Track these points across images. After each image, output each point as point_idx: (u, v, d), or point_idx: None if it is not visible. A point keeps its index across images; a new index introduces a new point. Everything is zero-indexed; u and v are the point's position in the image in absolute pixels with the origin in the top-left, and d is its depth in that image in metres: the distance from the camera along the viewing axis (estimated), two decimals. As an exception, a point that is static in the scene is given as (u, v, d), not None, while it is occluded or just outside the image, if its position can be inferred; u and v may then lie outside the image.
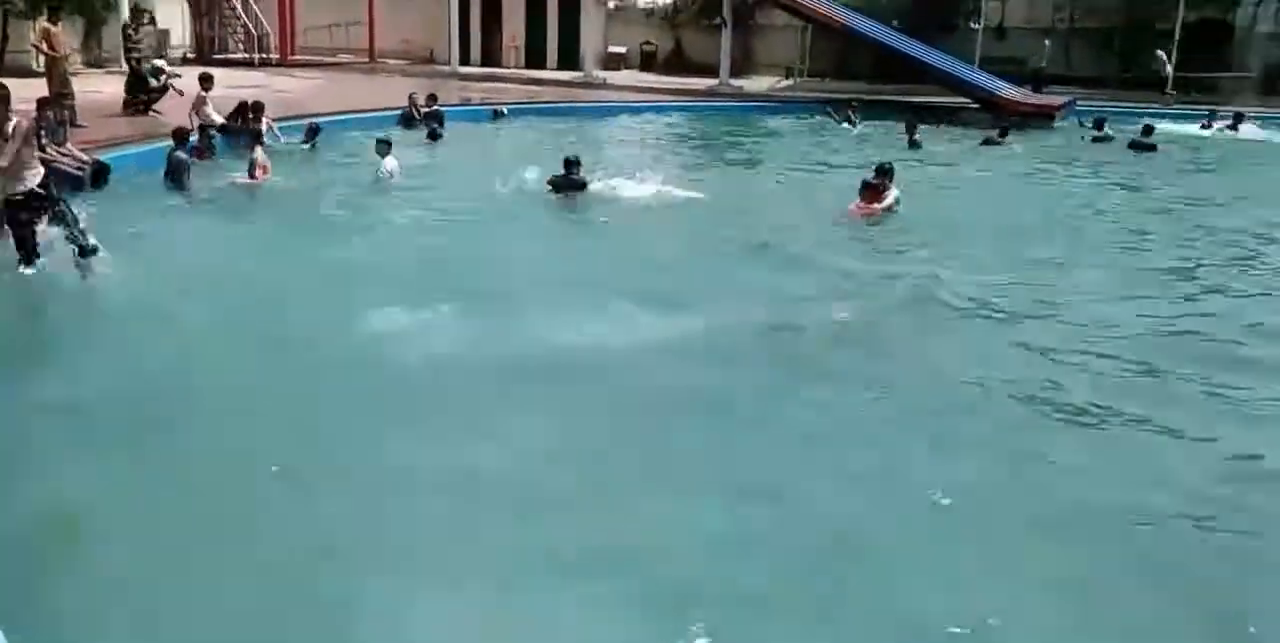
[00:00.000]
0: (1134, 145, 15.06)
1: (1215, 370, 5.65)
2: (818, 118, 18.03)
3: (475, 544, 3.68)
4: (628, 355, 5.55)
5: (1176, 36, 21.82)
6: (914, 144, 14.89)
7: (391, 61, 26.80)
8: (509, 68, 27.09)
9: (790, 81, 25.10)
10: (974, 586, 3.53)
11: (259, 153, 10.64)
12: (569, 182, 9.99)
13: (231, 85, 15.50)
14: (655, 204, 9.97)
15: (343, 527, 3.77)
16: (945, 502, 4.03)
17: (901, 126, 15.65)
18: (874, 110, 18.18)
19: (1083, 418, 4.95)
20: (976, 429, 4.80)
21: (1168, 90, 21.72)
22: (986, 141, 15.00)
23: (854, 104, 18.04)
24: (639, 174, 10.78)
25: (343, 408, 4.87)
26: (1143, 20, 24.39)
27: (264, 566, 3.48)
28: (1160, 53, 22.78)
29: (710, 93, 22.08)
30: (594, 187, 10.18)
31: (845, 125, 17.33)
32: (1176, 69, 22.00)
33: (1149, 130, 15.38)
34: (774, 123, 18.46)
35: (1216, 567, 3.71)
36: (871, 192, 9.29)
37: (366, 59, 26.97)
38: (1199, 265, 8.20)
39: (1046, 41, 24.22)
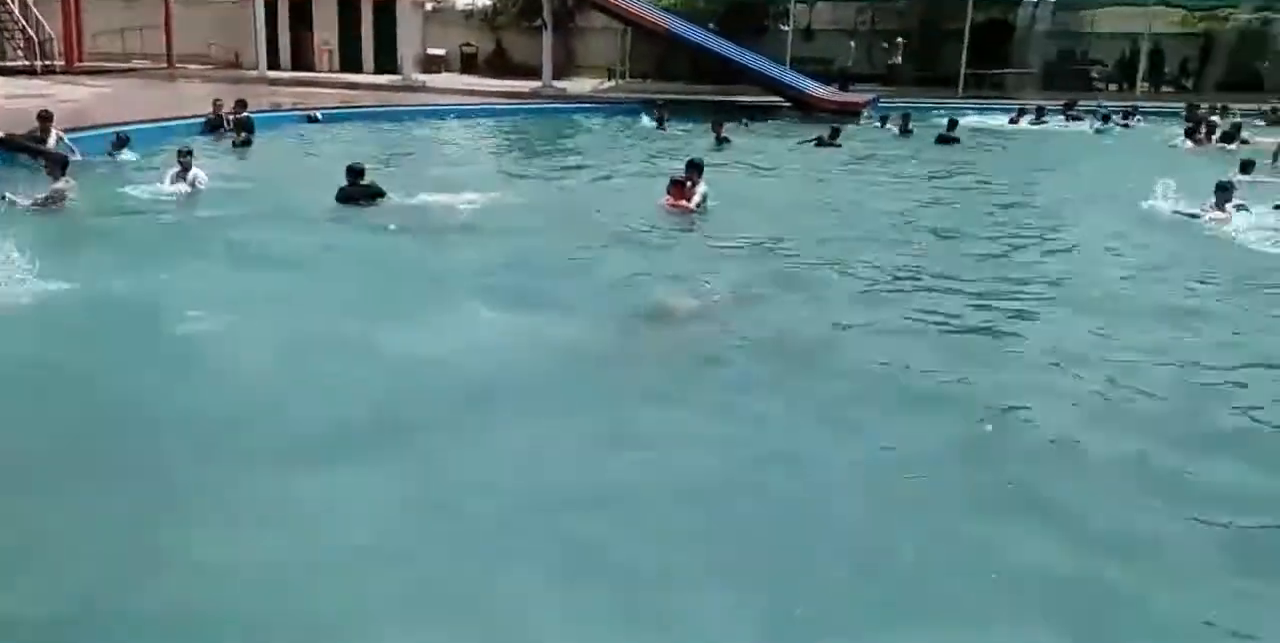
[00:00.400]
0: (940, 139, 16.09)
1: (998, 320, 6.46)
2: (644, 119, 18.34)
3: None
4: (461, 358, 5.55)
5: (966, 37, 23.55)
6: (721, 141, 15.27)
7: (192, 67, 25.42)
8: (322, 72, 26.24)
9: (612, 83, 25.47)
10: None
11: (63, 182, 9.60)
12: (360, 191, 9.72)
13: (10, 95, 14.32)
14: (467, 209, 9.88)
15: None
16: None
17: (709, 125, 16.06)
18: (687, 110, 18.67)
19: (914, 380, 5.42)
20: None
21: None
22: (819, 142, 15.42)
23: (660, 104, 18.49)
24: (453, 179, 10.67)
25: (162, 431, 4.65)
26: (935, 22, 26.28)
27: None
28: (896, 42, 24.48)
29: (533, 95, 22.09)
30: (400, 194, 9.97)
31: (654, 126, 17.52)
32: (967, 66, 23.75)
33: (953, 125, 16.45)
34: (594, 124, 18.61)
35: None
36: (678, 188, 9.57)
37: (164, 65, 25.47)
38: (993, 240, 9.01)
39: (851, 43, 25.68)
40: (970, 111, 19.37)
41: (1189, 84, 25.51)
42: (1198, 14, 26.34)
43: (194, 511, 3.94)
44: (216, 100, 15.21)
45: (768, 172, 13.43)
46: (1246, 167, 12.39)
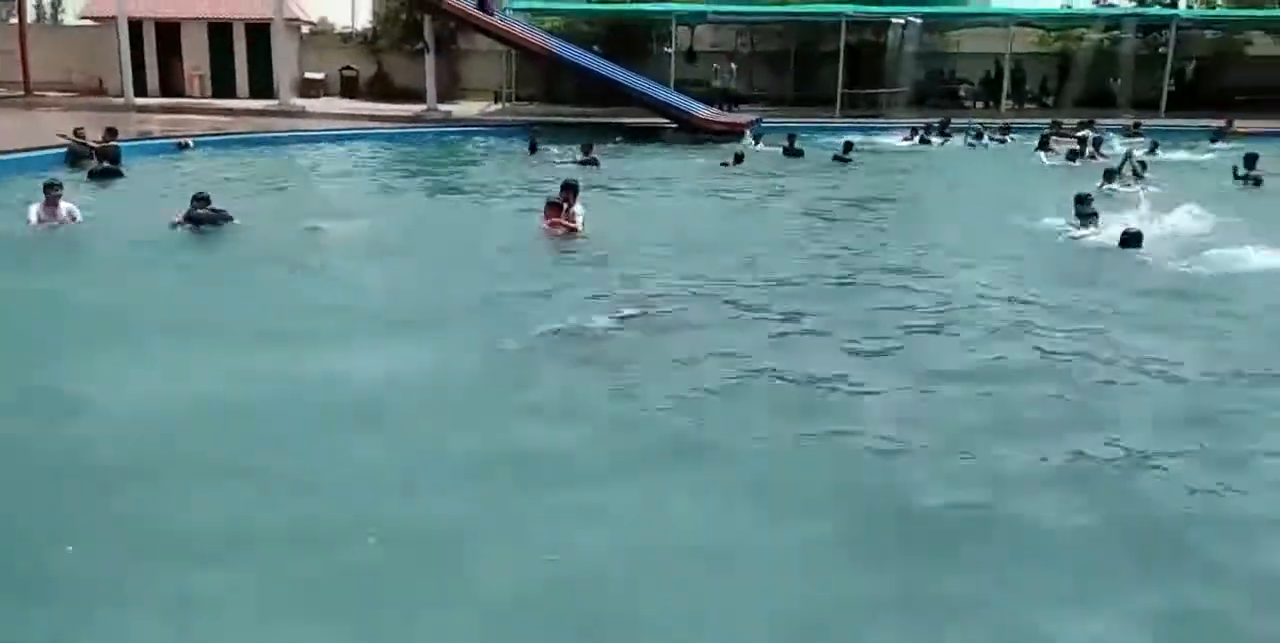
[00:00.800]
0: (836, 159, 16.57)
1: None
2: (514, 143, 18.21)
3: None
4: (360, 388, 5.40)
5: (841, 58, 24.39)
6: (587, 163, 15.20)
7: (52, 94, 24.19)
8: (194, 98, 25.34)
9: (499, 106, 25.36)
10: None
11: None
12: (207, 216, 9.29)
13: None
14: (340, 235, 9.63)
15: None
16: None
17: (578, 147, 15.95)
18: (577, 133, 18.71)
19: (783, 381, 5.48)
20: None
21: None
22: (723, 164, 15.64)
23: (531, 127, 18.51)
24: (328, 204, 10.40)
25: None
26: (812, 44, 27.16)
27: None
28: (724, 66, 25.30)
29: (416, 119, 21.80)
30: (272, 221, 9.66)
31: (526, 150, 17.25)
32: (845, 87, 24.59)
33: (849, 147, 16.92)
34: (478, 147, 18.36)
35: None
36: (555, 210, 9.60)
37: (21, 92, 24.15)
38: (867, 252, 9.36)
39: (732, 65, 26.28)
40: (854, 132, 20.02)
41: (1049, 101, 27.01)
42: (1054, 34, 28.01)
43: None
44: (78, 129, 14.51)
45: (658, 192, 13.58)
46: (1110, 176, 13.12)
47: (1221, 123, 20.58)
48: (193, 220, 9.32)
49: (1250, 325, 7.07)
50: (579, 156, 15.57)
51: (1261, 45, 27.79)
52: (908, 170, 16.78)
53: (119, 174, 13.16)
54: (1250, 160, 14.11)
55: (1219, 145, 18.46)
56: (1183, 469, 4.69)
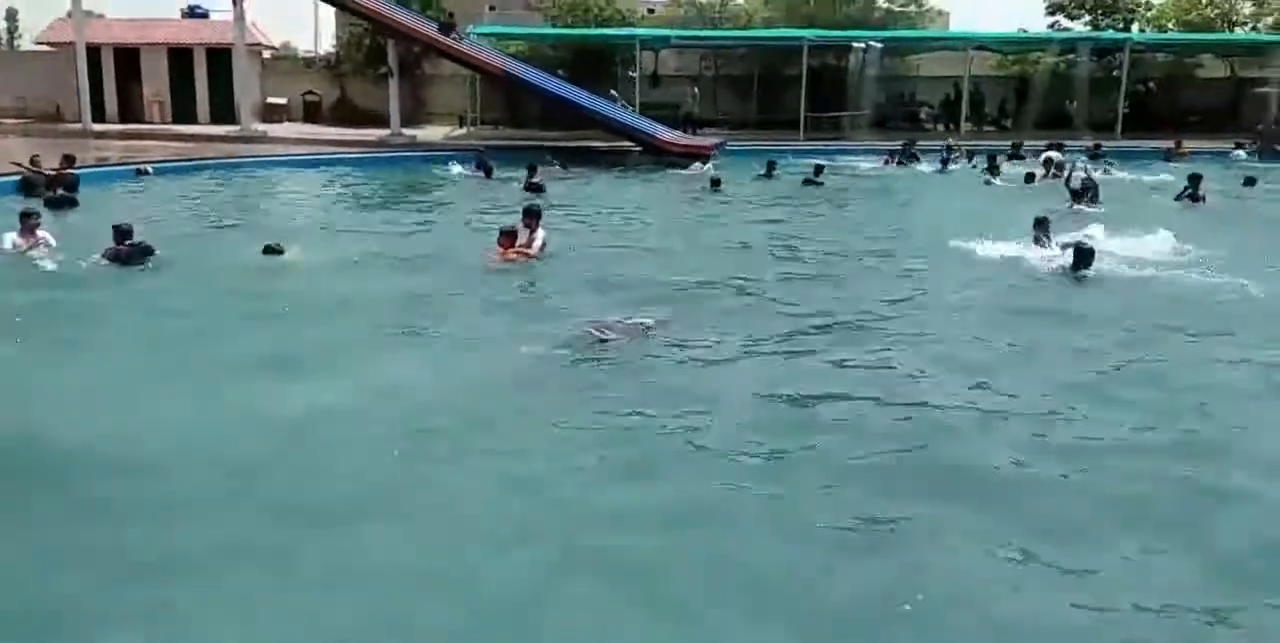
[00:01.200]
0: (806, 182, 16.82)
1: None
2: (457, 167, 18.06)
3: None
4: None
5: (804, 82, 24.70)
6: (532, 187, 15.10)
7: (8, 121, 23.86)
8: (153, 124, 25.10)
9: (464, 130, 25.35)
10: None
11: None
12: (124, 252, 8.93)
13: None
14: (298, 261, 9.53)
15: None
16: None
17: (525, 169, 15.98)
18: (524, 157, 18.68)
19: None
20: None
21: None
22: (703, 189, 15.83)
23: (481, 151, 18.57)
24: (290, 230, 10.24)
25: None
26: (776, 68, 27.49)
27: None
28: (694, 92, 25.65)
29: (380, 143, 21.72)
30: (230, 249, 9.45)
31: (481, 174, 17.27)
32: (808, 110, 24.87)
33: (819, 170, 17.21)
34: (440, 172, 18.11)
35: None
36: (508, 238, 9.39)
37: (-27, 118, 23.83)
38: (828, 272, 9.49)
39: (695, 89, 26.52)
40: (821, 154, 20.23)
41: (1008, 123, 27.49)
42: (1011, 57, 28.57)
43: None
44: (34, 157, 14.30)
45: (630, 217, 13.62)
46: (1078, 196, 13.44)
47: (1170, 144, 21.07)
48: (114, 258, 8.96)
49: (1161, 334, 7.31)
50: (526, 179, 15.52)
51: (1211, 67, 28.56)
52: (877, 193, 16.97)
53: (74, 202, 12.95)
54: (1194, 180, 14.66)
55: (1172, 164, 18.86)
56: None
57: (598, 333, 6.80)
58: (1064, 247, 9.55)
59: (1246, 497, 4.65)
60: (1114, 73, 26.13)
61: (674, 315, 7.50)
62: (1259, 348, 6.97)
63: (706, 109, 26.52)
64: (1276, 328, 7.63)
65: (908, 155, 20.33)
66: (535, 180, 15.39)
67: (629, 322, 7.10)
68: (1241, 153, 21.68)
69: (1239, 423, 5.56)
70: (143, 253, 9.10)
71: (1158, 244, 10.21)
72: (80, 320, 7.54)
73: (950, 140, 21.36)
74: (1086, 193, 14.04)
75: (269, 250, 9.40)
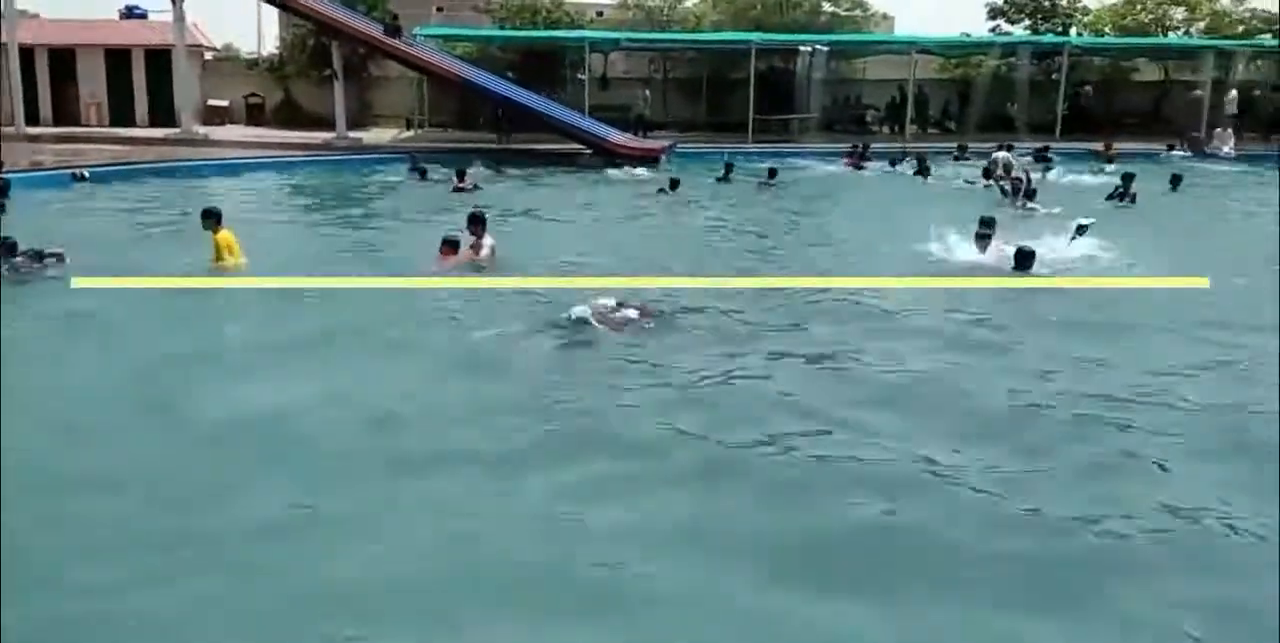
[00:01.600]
0: (761, 185, 16.90)
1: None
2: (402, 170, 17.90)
3: None
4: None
5: (752, 85, 24.76)
6: (461, 189, 15.09)
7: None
8: (90, 126, 24.36)
9: (412, 133, 24.98)
10: None
11: None
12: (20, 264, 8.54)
13: None
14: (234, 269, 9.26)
15: None
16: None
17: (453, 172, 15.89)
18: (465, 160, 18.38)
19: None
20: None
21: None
22: (660, 191, 15.76)
23: (414, 155, 18.32)
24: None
25: None
26: (724, 71, 27.52)
27: None
28: (645, 94, 25.65)
29: (325, 146, 21.30)
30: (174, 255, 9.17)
31: (416, 177, 17.15)
32: (756, 113, 24.93)
33: (773, 173, 17.28)
34: (388, 176, 17.84)
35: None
36: (450, 247, 9.25)
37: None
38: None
39: (646, 91, 26.45)
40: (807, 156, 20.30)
41: (951, 125, 27.83)
42: (954, 61, 28.93)
43: None
44: (-41, 161, 13.76)
45: (585, 219, 13.51)
46: (1031, 195, 13.81)
47: (1100, 146, 21.54)
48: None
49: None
50: (455, 183, 15.44)
51: (1147, 71, 29.21)
52: (828, 195, 17.04)
53: (1, 209, 12.45)
54: (1126, 179, 15.20)
55: (1111, 167, 19.22)
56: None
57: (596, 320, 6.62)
58: (1015, 250, 9.63)
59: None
60: (1053, 76, 26.58)
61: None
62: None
63: (656, 112, 26.45)
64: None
65: (863, 157, 20.47)
66: (463, 184, 15.27)
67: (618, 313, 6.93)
68: (1176, 154, 22.17)
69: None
70: (35, 257, 8.73)
71: (1087, 245, 10.40)
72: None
73: (904, 146, 21.57)
74: (1018, 192, 14.37)
75: (208, 216, 9.19)
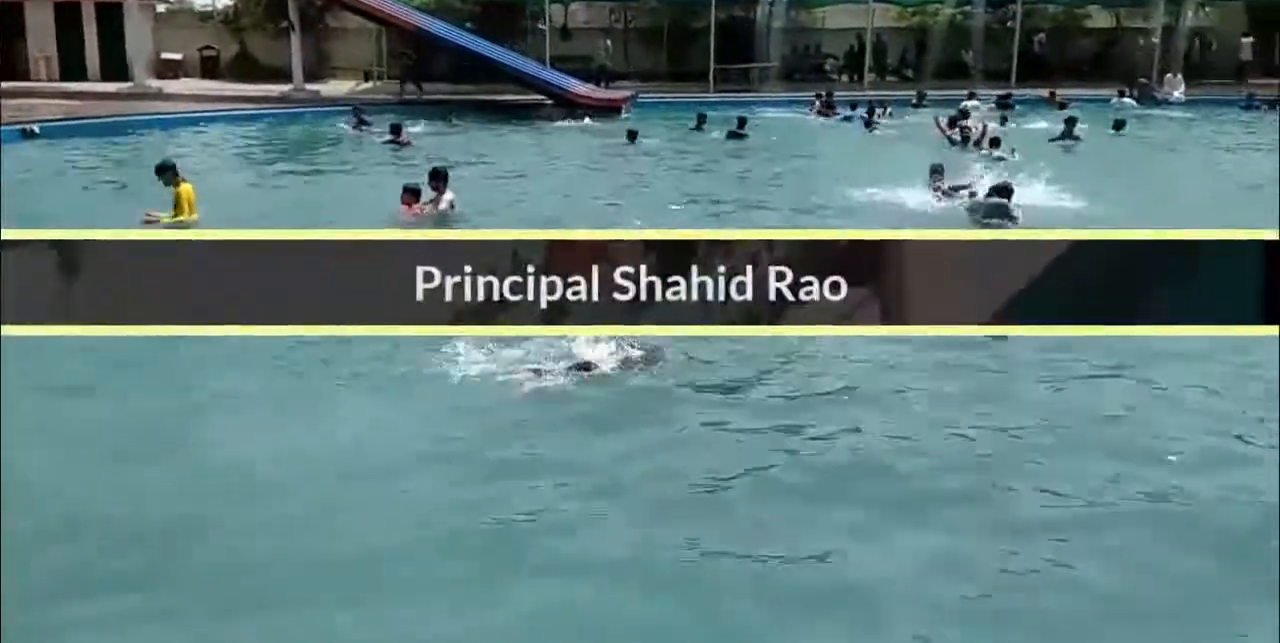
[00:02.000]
0: (730, 134, 16.75)
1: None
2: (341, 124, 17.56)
3: None
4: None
5: (713, 34, 24.34)
6: (398, 143, 15.01)
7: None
8: (40, 82, 23.45)
9: (370, 85, 24.34)
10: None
11: None
12: None
13: None
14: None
15: None
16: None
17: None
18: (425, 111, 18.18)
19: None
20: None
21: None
22: (630, 136, 15.74)
23: (357, 107, 17.96)
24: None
25: None
26: (684, 20, 27.00)
27: None
28: (604, 43, 25.09)
29: (283, 99, 20.73)
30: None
31: (353, 130, 16.89)
32: (717, 62, 24.56)
33: (742, 122, 17.13)
34: (345, 128, 17.43)
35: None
36: (411, 195, 9.41)
37: None
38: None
39: (607, 41, 25.92)
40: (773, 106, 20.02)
41: (909, 74, 27.61)
42: (910, 9, 28.59)
43: None
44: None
45: (543, 171, 13.31)
46: (995, 143, 14.05)
47: (1045, 93, 21.56)
48: None
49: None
50: (388, 137, 15.27)
51: (1099, 18, 29.07)
52: (796, 145, 16.89)
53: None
54: (1070, 123, 16.07)
55: (1066, 112, 19.23)
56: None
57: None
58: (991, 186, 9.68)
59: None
60: (1008, 24, 26.39)
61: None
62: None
63: (617, 62, 25.96)
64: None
65: (829, 106, 20.27)
66: (400, 139, 15.12)
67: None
68: (1127, 100, 22.21)
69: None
70: None
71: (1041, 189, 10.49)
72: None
73: (874, 95, 21.44)
74: (967, 140, 14.92)
75: (164, 171, 8.90)
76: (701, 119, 17.62)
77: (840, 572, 3.82)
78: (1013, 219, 8.87)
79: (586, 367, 5.57)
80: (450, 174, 9.98)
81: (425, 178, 9.80)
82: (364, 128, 16.87)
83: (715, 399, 5.43)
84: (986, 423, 5.04)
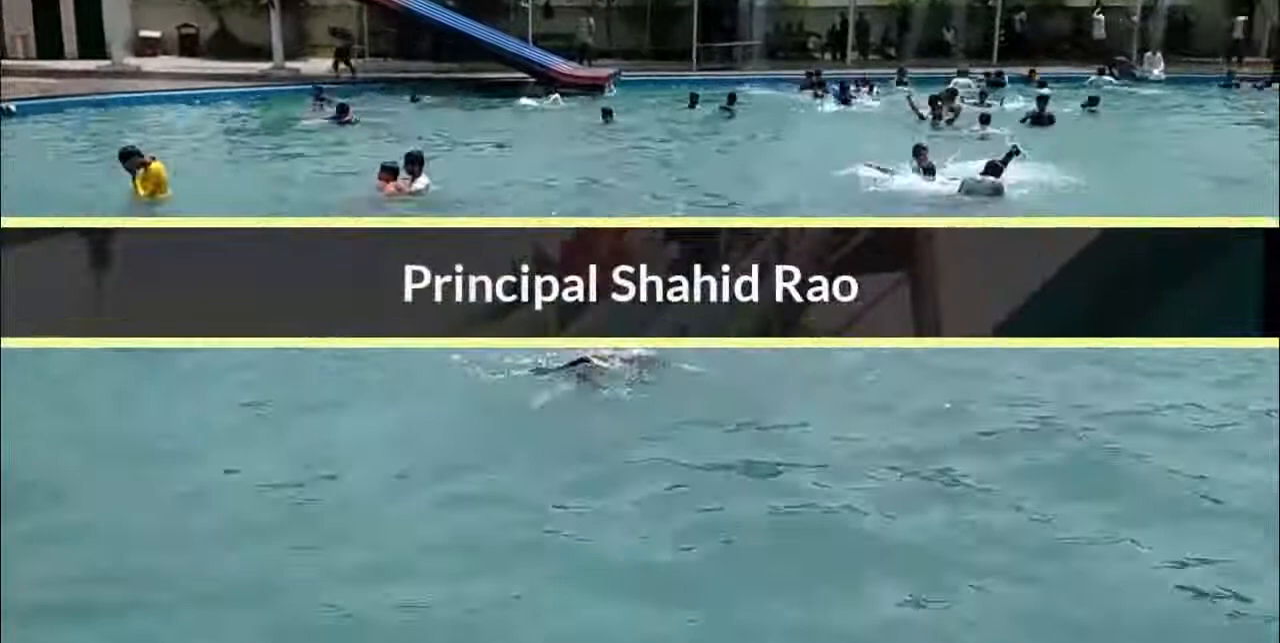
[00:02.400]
0: (721, 109, 16.81)
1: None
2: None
3: None
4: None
5: (696, 12, 23.97)
6: (345, 122, 14.96)
7: None
8: (17, 60, 22.86)
9: (352, 62, 23.87)
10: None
11: None
12: None
13: None
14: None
15: None
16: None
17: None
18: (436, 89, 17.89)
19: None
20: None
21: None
22: (605, 114, 15.58)
23: (322, 88, 17.55)
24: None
25: None
26: (667, -1, 26.57)
27: None
28: (588, 22, 24.70)
29: (263, 77, 20.29)
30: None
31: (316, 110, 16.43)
32: (700, 40, 24.21)
33: (732, 99, 17.18)
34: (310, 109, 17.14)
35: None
36: (388, 173, 9.31)
37: None
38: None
39: (590, 19, 25.48)
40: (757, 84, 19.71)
41: (891, 52, 27.31)
42: (893, -12, 28.24)
43: None
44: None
45: (517, 149, 13.05)
46: (985, 120, 14.12)
47: (1025, 71, 21.38)
48: None
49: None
50: (334, 115, 15.19)
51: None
52: (782, 123, 16.69)
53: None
54: (1041, 101, 15.98)
55: (1044, 91, 19.06)
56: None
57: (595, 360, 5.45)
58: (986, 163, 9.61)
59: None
60: (989, 2, 26.12)
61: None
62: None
63: (600, 40, 25.54)
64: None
65: (817, 84, 20.00)
66: (348, 118, 15.11)
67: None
68: (1106, 78, 22.03)
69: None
70: None
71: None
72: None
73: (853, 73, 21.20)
74: (939, 118, 15.14)
75: (127, 157, 8.68)
76: (694, 98, 17.43)
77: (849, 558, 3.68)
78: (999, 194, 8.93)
79: (585, 362, 5.37)
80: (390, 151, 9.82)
81: (380, 160, 9.67)
82: (320, 105, 16.51)
83: (715, 396, 5.19)
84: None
